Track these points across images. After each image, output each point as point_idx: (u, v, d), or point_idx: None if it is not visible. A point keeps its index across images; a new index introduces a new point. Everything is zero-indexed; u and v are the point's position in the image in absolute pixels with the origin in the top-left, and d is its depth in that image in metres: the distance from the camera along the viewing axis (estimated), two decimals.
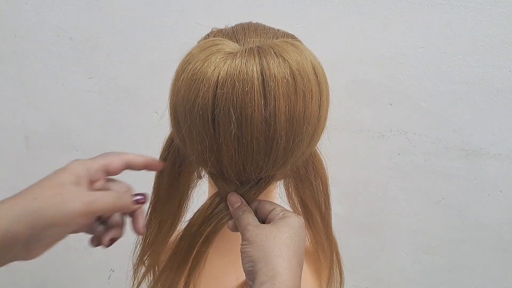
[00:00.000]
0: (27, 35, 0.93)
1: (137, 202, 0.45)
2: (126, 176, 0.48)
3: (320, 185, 0.55)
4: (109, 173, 0.46)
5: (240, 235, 0.47)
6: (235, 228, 0.48)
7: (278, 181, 0.54)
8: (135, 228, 0.47)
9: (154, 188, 0.56)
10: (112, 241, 0.46)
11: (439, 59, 0.78)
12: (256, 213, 0.49)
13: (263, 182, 0.49)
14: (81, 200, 0.41)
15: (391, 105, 0.82)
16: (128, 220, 0.48)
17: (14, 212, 0.39)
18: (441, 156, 0.83)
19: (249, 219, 0.46)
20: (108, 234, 0.46)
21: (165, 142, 0.54)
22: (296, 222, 0.46)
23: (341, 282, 0.60)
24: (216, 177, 0.49)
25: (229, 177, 0.48)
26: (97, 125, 0.96)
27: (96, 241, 0.46)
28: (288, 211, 0.48)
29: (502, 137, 0.80)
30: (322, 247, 0.58)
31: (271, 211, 0.48)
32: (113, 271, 0.96)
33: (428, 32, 0.77)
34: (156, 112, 0.92)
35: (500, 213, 0.85)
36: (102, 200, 0.42)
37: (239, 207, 0.48)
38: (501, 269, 0.89)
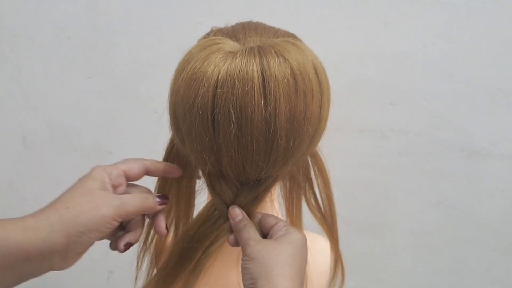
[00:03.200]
0: (25, 34, 0.93)
1: (162, 203, 0.48)
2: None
3: (322, 185, 0.54)
4: (129, 179, 0.48)
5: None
6: (236, 243, 0.48)
7: (278, 184, 0.53)
8: (158, 229, 0.49)
9: (156, 191, 0.56)
10: (128, 246, 0.48)
11: (441, 58, 0.78)
12: (258, 227, 0.48)
13: (263, 183, 0.48)
14: (112, 204, 0.43)
15: (392, 105, 0.82)
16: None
17: (50, 222, 0.41)
18: (442, 156, 0.83)
19: (250, 233, 0.46)
20: (124, 238, 0.48)
21: (167, 145, 0.54)
22: (299, 239, 0.45)
23: (343, 282, 0.60)
24: (216, 177, 0.49)
25: (228, 177, 0.47)
26: (95, 125, 0.96)
27: (115, 245, 0.48)
28: (291, 226, 0.47)
29: (504, 137, 0.80)
30: None
31: (274, 225, 0.47)
32: (112, 272, 0.96)
33: (430, 31, 0.77)
34: (155, 112, 0.91)
35: (502, 213, 0.85)
36: (130, 202, 0.45)
37: (241, 220, 0.47)
38: (503, 269, 0.88)
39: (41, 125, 0.99)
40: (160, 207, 0.48)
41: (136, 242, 0.49)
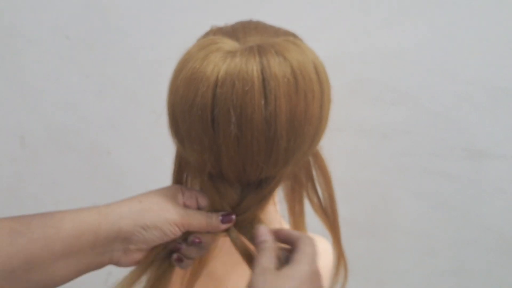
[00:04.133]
0: (23, 34, 0.93)
1: (225, 221, 0.49)
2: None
3: (324, 184, 0.54)
4: (199, 205, 0.50)
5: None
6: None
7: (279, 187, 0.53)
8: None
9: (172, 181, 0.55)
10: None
11: (443, 58, 0.78)
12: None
13: (265, 184, 0.48)
14: (178, 212, 0.47)
15: (394, 104, 0.82)
16: None
17: (121, 210, 0.45)
18: (444, 157, 0.83)
19: (263, 258, 0.44)
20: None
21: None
22: (304, 272, 0.42)
23: (346, 279, 0.59)
24: (216, 179, 0.48)
25: (228, 178, 0.47)
26: (94, 125, 0.96)
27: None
28: (303, 257, 0.44)
29: (506, 138, 0.80)
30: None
31: (292, 249, 0.46)
32: (110, 274, 0.96)
33: (432, 31, 0.77)
34: (154, 111, 0.91)
35: (505, 214, 0.85)
36: (195, 216, 0.48)
37: (264, 241, 0.46)
38: (505, 271, 0.88)
39: (39, 125, 0.99)
40: (223, 226, 0.48)
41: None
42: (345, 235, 0.88)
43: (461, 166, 0.83)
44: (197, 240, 0.48)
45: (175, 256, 0.49)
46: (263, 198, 0.48)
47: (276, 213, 0.56)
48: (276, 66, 0.42)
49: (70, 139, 0.99)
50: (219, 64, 0.42)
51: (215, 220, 0.48)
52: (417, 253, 0.91)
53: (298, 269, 0.43)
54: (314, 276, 0.44)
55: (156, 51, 0.88)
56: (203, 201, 0.49)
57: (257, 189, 0.48)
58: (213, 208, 0.49)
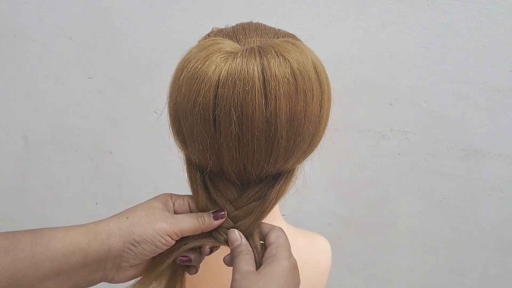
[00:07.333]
0: (26, 35, 0.93)
1: (218, 217, 0.48)
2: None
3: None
4: (192, 210, 0.50)
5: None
6: (231, 263, 0.48)
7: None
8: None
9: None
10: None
11: (440, 58, 0.78)
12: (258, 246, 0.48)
13: (264, 183, 0.49)
14: (167, 220, 0.46)
15: (391, 105, 0.82)
16: None
17: (109, 228, 0.45)
18: (441, 156, 0.83)
19: (241, 263, 0.45)
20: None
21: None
22: (285, 268, 0.44)
23: None
24: (217, 177, 0.49)
25: (229, 176, 0.48)
26: (96, 125, 0.96)
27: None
28: (281, 250, 0.46)
29: (502, 137, 0.80)
30: None
31: (267, 248, 0.47)
32: None
33: (429, 31, 0.77)
34: (155, 112, 0.92)
35: (501, 213, 0.85)
36: (186, 220, 0.47)
37: (238, 246, 0.47)
38: (502, 269, 0.88)
39: (42, 125, 0.99)
40: (217, 223, 0.48)
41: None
42: (344, 234, 0.88)
43: (458, 166, 0.83)
44: (184, 259, 0.48)
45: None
46: (262, 197, 0.49)
47: (278, 212, 0.56)
48: (276, 66, 0.42)
49: (72, 139, 0.99)
50: (220, 65, 0.42)
51: (207, 219, 0.47)
52: (415, 251, 0.91)
53: (277, 266, 0.44)
54: (294, 271, 0.45)
55: (158, 52, 0.88)
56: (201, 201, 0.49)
57: (256, 187, 0.49)
58: (209, 207, 0.49)
